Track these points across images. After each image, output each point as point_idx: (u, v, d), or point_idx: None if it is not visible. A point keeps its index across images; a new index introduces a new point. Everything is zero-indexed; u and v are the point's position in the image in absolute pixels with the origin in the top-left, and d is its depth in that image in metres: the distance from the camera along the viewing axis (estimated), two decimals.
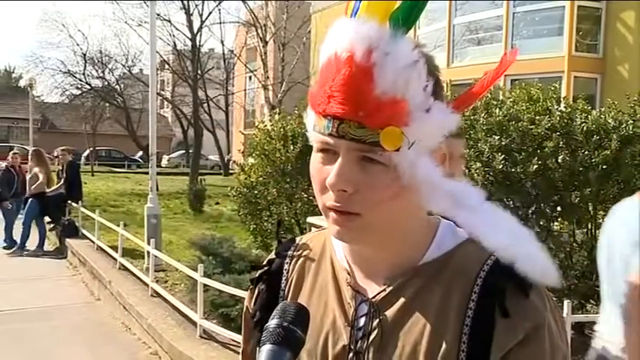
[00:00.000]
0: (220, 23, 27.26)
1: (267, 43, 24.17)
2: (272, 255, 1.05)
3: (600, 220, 5.10)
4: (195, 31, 22.74)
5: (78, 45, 26.69)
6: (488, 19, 15.30)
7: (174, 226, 11.53)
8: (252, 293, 1.04)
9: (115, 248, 8.10)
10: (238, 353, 1.13)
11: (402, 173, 0.79)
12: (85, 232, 9.89)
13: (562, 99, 5.52)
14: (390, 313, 0.87)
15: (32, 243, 10.09)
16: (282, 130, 6.94)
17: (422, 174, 0.80)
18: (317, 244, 1.00)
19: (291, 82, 22.27)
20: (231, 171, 24.82)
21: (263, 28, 24.23)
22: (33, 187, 10.31)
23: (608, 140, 4.67)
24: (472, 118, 4.87)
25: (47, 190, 10.54)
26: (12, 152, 11.41)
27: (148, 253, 6.87)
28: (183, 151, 34.49)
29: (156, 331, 5.35)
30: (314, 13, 23.68)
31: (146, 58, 29.17)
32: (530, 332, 0.80)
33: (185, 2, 22.19)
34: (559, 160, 4.73)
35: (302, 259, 1.00)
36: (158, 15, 20.03)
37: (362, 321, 0.89)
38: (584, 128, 4.73)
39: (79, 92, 27.42)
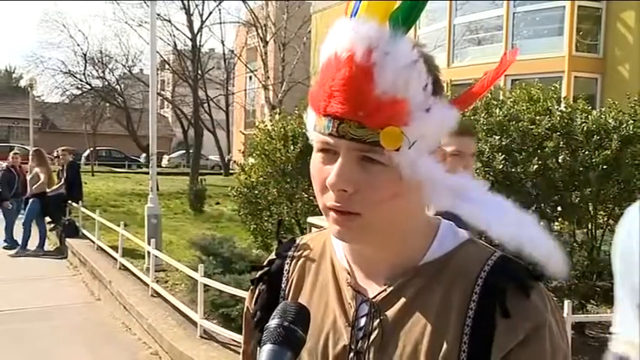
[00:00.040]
0: (221, 23, 27.28)
1: (267, 43, 24.17)
2: (272, 255, 1.05)
3: (600, 220, 5.10)
4: (195, 31, 22.75)
5: (78, 45, 26.76)
6: (488, 19, 15.31)
7: (175, 226, 11.54)
8: (252, 294, 1.04)
9: (115, 248, 8.10)
10: (239, 353, 1.13)
11: (403, 173, 0.79)
12: (85, 232, 9.90)
13: (562, 99, 5.52)
14: (390, 313, 0.87)
15: (32, 243, 10.10)
16: (282, 130, 6.94)
17: (423, 173, 0.80)
18: (317, 245, 1.00)
19: (292, 82, 22.27)
20: (231, 171, 24.82)
21: (263, 28, 24.23)
22: (34, 187, 10.32)
23: (609, 140, 4.67)
24: (472, 118, 4.87)
25: (47, 190, 10.55)
26: (12, 152, 11.42)
27: (149, 253, 6.87)
28: (184, 151, 34.50)
29: (156, 331, 5.35)
30: (314, 13, 23.72)
31: (146, 58, 29.15)
32: (531, 333, 0.80)
33: (185, 2, 22.21)
34: (559, 160, 4.74)
35: (302, 259, 1.00)
36: (158, 15, 20.02)
37: (362, 321, 0.89)
38: (585, 128, 4.73)
39: (80, 92, 27.46)
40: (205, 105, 28.11)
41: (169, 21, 24.66)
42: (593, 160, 4.65)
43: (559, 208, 4.99)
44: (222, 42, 29.29)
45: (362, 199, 0.80)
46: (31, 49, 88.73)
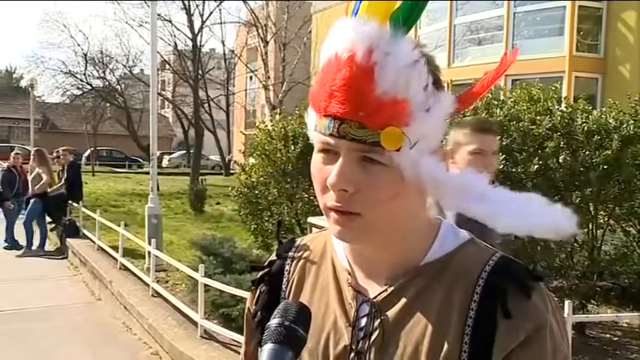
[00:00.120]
0: (221, 23, 27.45)
1: (267, 43, 24.18)
2: (273, 256, 1.05)
3: (601, 220, 5.10)
4: (196, 31, 22.72)
5: (79, 45, 26.79)
6: (489, 19, 15.32)
7: (175, 226, 11.54)
8: (253, 294, 1.04)
9: (115, 248, 8.10)
10: (239, 353, 1.12)
11: (404, 173, 0.79)
12: (85, 232, 9.90)
13: (563, 99, 5.52)
14: (391, 313, 0.87)
15: (33, 243, 10.09)
16: (282, 130, 6.94)
17: (425, 173, 0.80)
18: (317, 245, 1.00)
19: (292, 82, 22.27)
20: (232, 171, 24.81)
21: (264, 28, 24.24)
22: (37, 186, 10.32)
23: (609, 140, 4.67)
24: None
25: (48, 190, 10.55)
26: (14, 152, 11.43)
27: (149, 253, 6.87)
28: (184, 152, 34.51)
29: (157, 331, 5.35)
30: (315, 13, 23.72)
31: (147, 59, 29.05)
32: (532, 333, 0.80)
33: (186, 2, 22.18)
34: (560, 160, 4.73)
35: (303, 259, 1.00)
36: (159, 15, 20.03)
37: (363, 321, 0.89)
38: (585, 128, 4.73)
39: (80, 92, 27.49)
40: (206, 105, 28.11)
41: (170, 21, 24.67)
42: (594, 160, 4.64)
43: None
44: (223, 42, 29.29)
45: (362, 199, 0.80)
46: (31, 49, 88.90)
